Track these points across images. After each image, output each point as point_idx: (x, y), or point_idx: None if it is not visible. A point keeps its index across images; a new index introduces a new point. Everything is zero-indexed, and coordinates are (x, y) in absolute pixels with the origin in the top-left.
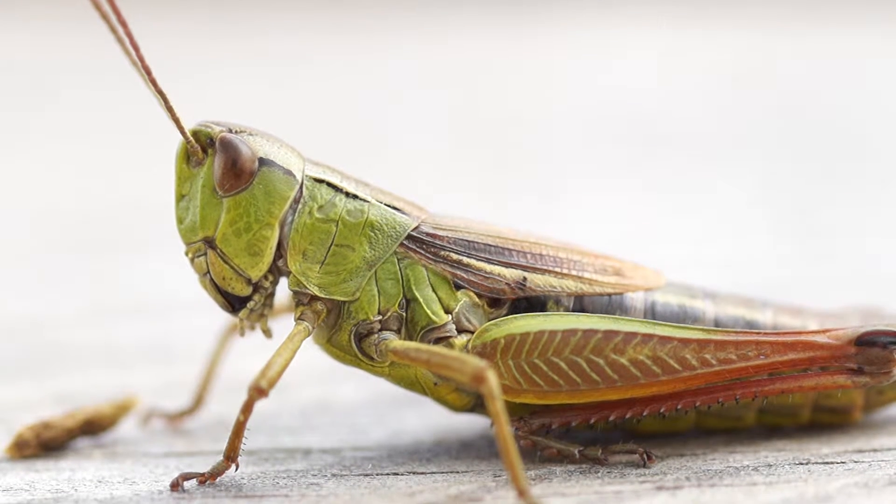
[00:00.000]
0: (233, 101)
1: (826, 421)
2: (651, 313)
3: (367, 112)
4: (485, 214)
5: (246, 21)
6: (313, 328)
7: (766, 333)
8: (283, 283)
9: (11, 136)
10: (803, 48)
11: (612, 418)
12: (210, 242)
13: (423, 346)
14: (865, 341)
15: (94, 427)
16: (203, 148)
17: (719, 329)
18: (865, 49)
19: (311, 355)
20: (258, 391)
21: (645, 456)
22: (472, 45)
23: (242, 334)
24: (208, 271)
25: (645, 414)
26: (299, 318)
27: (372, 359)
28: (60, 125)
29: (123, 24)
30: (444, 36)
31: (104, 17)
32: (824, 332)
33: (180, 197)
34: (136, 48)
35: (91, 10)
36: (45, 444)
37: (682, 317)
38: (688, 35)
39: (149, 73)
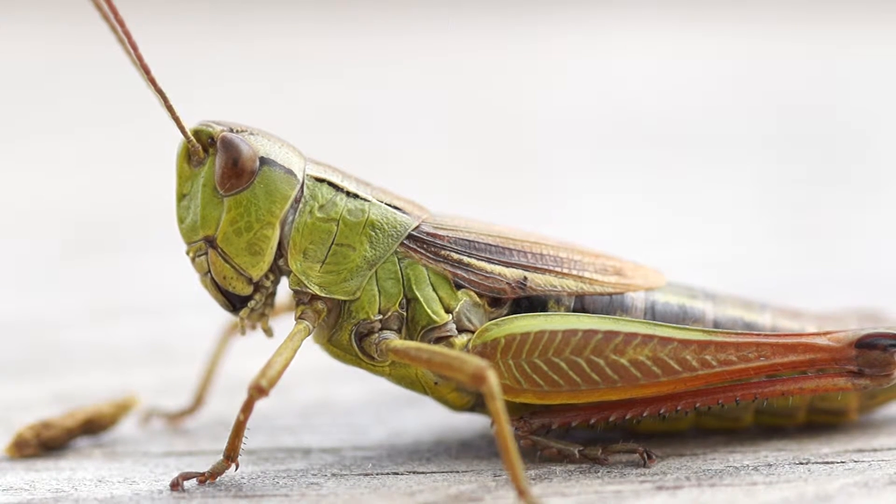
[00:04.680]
0: (233, 101)
1: (822, 421)
2: (651, 313)
3: (366, 112)
4: (484, 214)
5: (245, 21)
6: (314, 327)
7: (766, 335)
8: (284, 282)
9: (11, 136)
10: (803, 49)
11: (612, 419)
12: (211, 242)
13: (424, 346)
14: (866, 344)
15: (93, 427)
16: (204, 147)
17: (720, 330)
18: (865, 50)
19: (312, 355)
20: (258, 390)
21: (645, 455)
22: (473, 46)
23: (243, 333)
24: (209, 270)
25: (645, 414)
26: (300, 318)
27: (372, 358)
28: (60, 125)
29: (121, 23)
30: (444, 36)
31: (105, 17)
32: (825, 334)
33: (181, 196)
34: (135, 48)
35: (90, 10)
36: (44, 444)
37: (681, 317)
38: (687, 36)
39: (148, 72)
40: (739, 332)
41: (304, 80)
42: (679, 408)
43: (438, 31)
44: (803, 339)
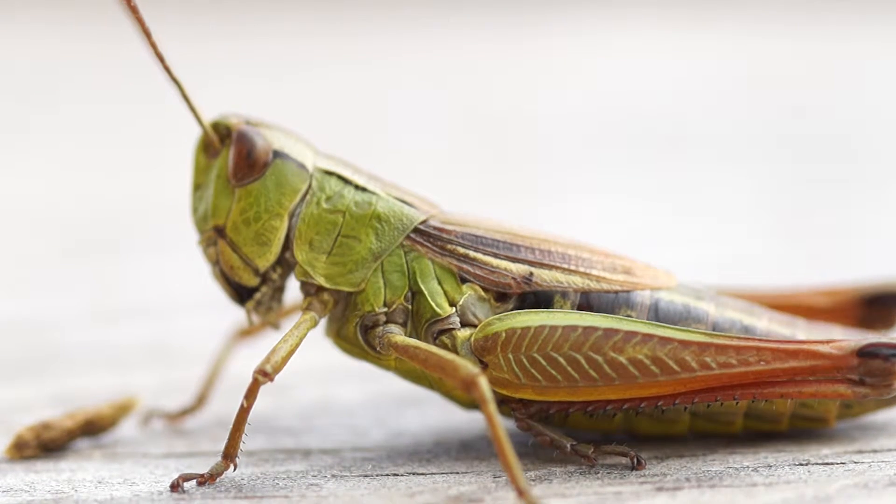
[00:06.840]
0: (233, 101)
1: (803, 428)
2: (654, 311)
3: (366, 112)
4: (485, 214)
5: (246, 21)
6: (320, 318)
7: (768, 340)
8: (295, 284)
9: (12, 136)
10: (804, 51)
11: (609, 407)
12: (220, 231)
13: (423, 345)
14: (868, 353)
15: (93, 428)
16: (221, 139)
17: (721, 333)
18: (865, 51)
19: (312, 356)
20: (263, 374)
21: (635, 460)
22: (473, 45)
23: (250, 324)
24: (218, 261)
25: (643, 406)
26: (306, 308)
27: (377, 351)
28: (61, 126)
29: (134, 9)
30: (444, 36)
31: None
32: (827, 342)
33: (196, 187)
34: (149, 35)
35: (89, 9)
36: (44, 445)
37: (685, 317)
38: (689, 37)
39: (162, 60)
40: (741, 335)
41: (304, 80)
42: (677, 402)
43: (439, 31)
44: (805, 346)
